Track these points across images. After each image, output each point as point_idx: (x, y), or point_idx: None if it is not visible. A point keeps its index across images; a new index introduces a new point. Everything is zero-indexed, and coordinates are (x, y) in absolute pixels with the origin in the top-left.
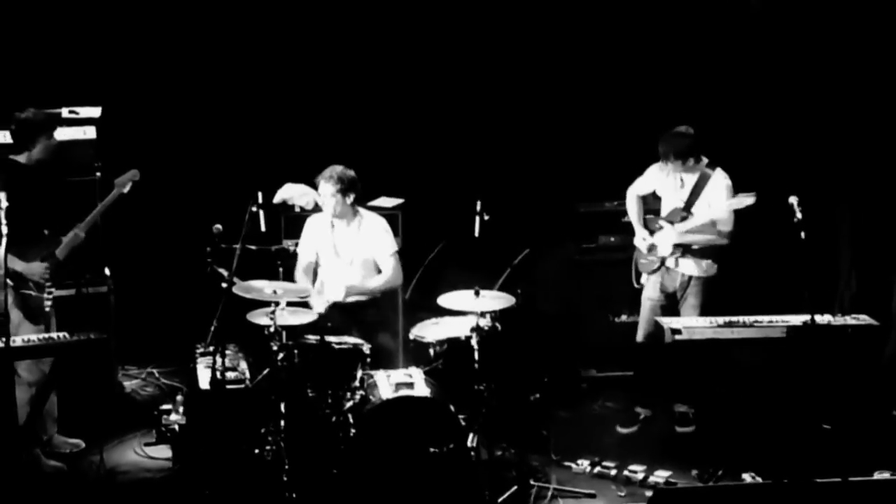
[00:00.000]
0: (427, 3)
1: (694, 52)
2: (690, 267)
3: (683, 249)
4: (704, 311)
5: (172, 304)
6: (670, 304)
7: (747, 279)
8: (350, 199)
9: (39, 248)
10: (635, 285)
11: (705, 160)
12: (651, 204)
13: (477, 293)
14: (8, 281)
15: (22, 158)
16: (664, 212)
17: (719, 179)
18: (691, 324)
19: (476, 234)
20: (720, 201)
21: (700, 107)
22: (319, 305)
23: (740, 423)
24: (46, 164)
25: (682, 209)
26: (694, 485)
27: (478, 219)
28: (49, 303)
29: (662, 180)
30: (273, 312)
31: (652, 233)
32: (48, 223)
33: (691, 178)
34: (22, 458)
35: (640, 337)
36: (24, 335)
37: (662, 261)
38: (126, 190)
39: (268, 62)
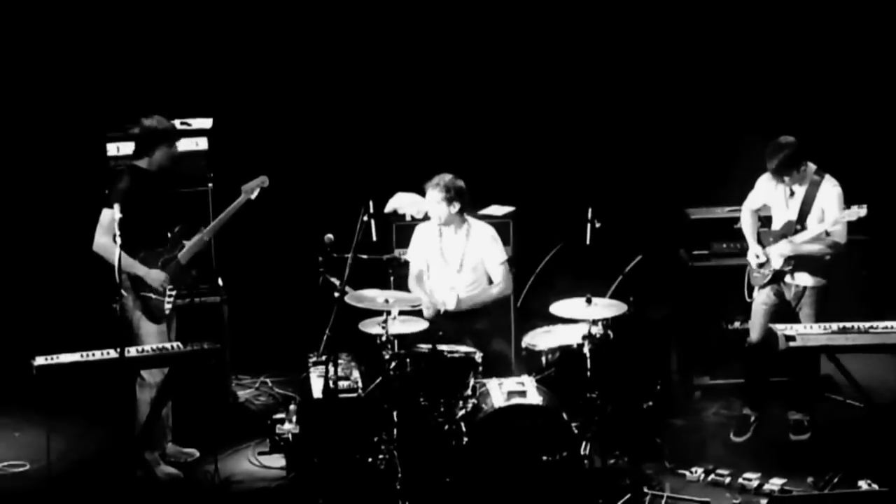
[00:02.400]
0: (536, 16)
1: (803, 54)
2: (804, 278)
3: (796, 262)
4: (819, 319)
5: (285, 313)
6: (784, 311)
7: (864, 285)
8: (455, 207)
9: (162, 252)
10: (747, 299)
11: (813, 167)
12: (765, 212)
13: (589, 301)
14: (127, 284)
15: (143, 164)
16: (776, 224)
17: (829, 188)
18: (805, 330)
19: (587, 241)
20: (832, 210)
21: (810, 110)
22: (429, 310)
23: (856, 431)
24: (166, 171)
25: (795, 221)
26: (809, 492)
27: (589, 226)
28: (169, 306)
29: (772, 192)
30: (385, 321)
31: (764, 247)
32: (170, 228)
33: (801, 188)
34: (138, 463)
35: (753, 338)
36: (146, 336)
37: (774, 274)
38: (254, 196)
39: (381, 72)
